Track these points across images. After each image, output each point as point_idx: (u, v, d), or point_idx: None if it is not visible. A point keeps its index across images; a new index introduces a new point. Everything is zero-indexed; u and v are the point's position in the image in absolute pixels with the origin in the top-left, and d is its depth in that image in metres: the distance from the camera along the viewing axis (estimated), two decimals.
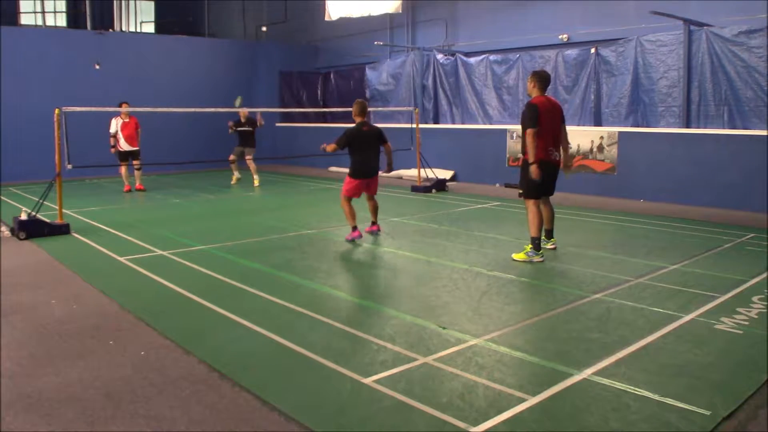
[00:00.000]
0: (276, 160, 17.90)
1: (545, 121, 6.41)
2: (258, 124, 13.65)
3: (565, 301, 5.14)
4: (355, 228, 7.45)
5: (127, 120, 12.26)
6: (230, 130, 13.57)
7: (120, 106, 11.81)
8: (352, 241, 7.47)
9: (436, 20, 16.02)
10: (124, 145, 12.24)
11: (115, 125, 12.21)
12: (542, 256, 6.51)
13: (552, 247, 7.01)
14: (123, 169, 12.52)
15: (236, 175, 14.17)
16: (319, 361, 3.90)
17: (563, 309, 4.97)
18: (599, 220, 9.19)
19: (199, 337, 4.36)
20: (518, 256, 6.53)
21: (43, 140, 13.09)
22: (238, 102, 12.99)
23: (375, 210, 7.83)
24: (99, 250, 7.21)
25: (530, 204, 6.60)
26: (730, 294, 5.32)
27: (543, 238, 6.83)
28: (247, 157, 13.53)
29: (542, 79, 6.61)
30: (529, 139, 6.33)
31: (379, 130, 7.60)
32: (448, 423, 3.11)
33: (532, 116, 6.35)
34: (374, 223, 7.85)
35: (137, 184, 12.63)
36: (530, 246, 6.52)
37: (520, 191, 6.86)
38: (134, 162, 12.38)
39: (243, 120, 13.61)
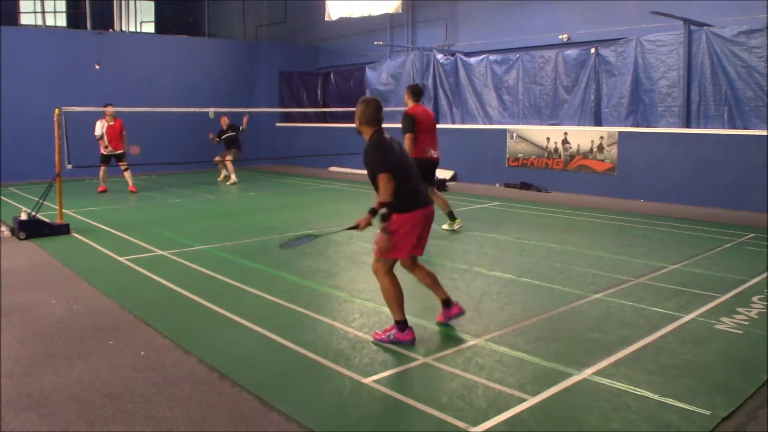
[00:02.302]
0: (276, 160, 17.92)
1: (422, 127, 7.73)
2: (241, 127, 14.43)
3: (565, 301, 5.14)
4: (404, 323, 4.21)
5: (111, 123, 12.07)
6: (214, 142, 14.44)
7: (105, 107, 11.75)
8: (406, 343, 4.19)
9: (436, 20, 16.01)
10: (110, 149, 12.08)
11: (101, 128, 12.04)
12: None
13: (455, 227, 8.18)
14: (102, 171, 12.29)
15: (223, 173, 15.05)
16: (319, 361, 3.90)
17: (563, 309, 4.97)
18: (599, 220, 9.19)
19: (199, 337, 4.36)
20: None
21: (43, 140, 13.10)
22: (211, 114, 13.45)
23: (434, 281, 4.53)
24: (99, 250, 7.21)
25: None
26: (730, 294, 5.32)
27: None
28: (227, 158, 14.47)
29: (415, 92, 8.02)
30: (407, 142, 7.62)
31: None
32: (448, 423, 3.11)
33: (408, 124, 7.67)
34: (446, 302, 4.52)
35: (130, 186, 12.39)
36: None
37: None
38: (120, 164, 12.20)
39: (225, 128, 14.45)
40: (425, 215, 4.24)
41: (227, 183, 14.29)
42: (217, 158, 14.67)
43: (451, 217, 8.20)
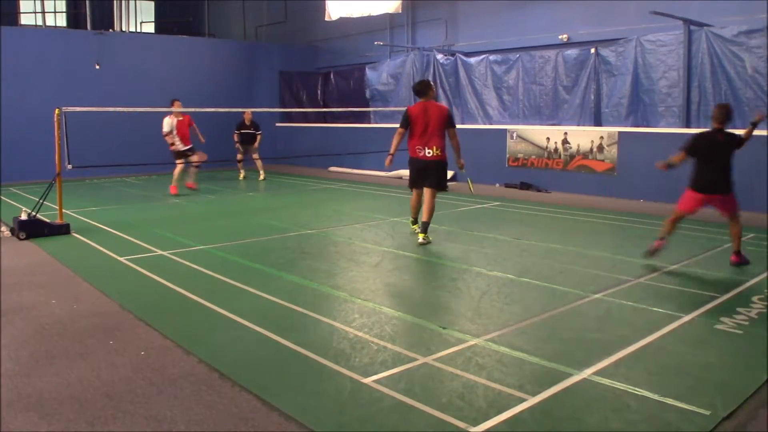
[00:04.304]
0: (276, 160, 17.92)
1: (415, 124, 7.32)
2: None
3: (565, 301, 5.14)
4: (662, 239, 6.42)
5: (180, 118, 11.83)
6: (237, 145, 14.76)
7: (172, 104, 11.66)
8: (654, 252, 6.38)
9: (436, 20, 16.01)
10: (180, 145, 11.82)
11: (170, 124, 11.74)
12: (415, 233, 7.61)
13: (422, 241, 7.33)
14: (179, 169, 11.94)
15: (243, 173, 15.37)
16: (319, 361, 3.90)
17: (563, 309, 4.97)
18: (599, 220, 9.19)
19: (199, 337, 4.35)
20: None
21: (43, 140, 13.10)
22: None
23: (737, 236, 6.39)
24: (99, 250, 7.21)
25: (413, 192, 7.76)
26: (730, 294, 5.32)
27: (415, 228, 7.75)
28: (254, 156, 14.77)
29: (415, 90, 7.62)
30: (395, 138, 7.52)
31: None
32: (448, 423, 3.11)
33: (402, 119, 7.49)
34: (736, 252, 6.38)
35: (189, 182, 12.20)
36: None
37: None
38: (192, 160, 11.93)
39: (247, 123, 14.63)
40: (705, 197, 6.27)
41: (259, 178, 14.81)
42: (239, 157, 14.90)
43: (414, 222, 7.83)
